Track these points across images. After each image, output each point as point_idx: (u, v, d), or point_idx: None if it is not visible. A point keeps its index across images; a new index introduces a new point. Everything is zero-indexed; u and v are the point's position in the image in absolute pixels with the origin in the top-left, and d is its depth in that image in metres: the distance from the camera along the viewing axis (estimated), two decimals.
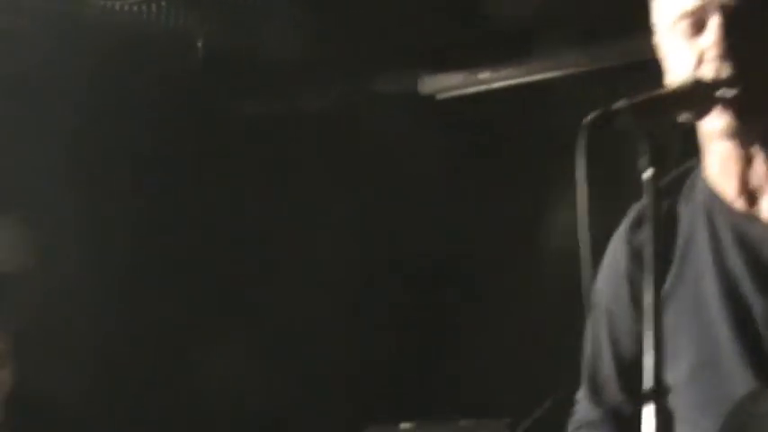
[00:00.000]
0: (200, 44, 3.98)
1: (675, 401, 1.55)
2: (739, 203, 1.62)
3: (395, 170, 4.69)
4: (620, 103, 1.45)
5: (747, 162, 1.60)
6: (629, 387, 1.71)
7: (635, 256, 1.64)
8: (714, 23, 1.54)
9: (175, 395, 4.18)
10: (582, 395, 1.82)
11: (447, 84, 4.62)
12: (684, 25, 1.57)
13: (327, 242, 4.63)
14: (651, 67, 4.06)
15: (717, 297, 1.59)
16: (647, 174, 1.44)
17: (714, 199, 1.64)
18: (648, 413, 1.36)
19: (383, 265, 4.59)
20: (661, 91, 1.51)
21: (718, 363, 1.56)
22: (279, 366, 4.36)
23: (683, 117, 1.50)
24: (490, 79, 4.45)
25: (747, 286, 1.58)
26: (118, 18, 3.72)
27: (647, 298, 1.40)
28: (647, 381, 1.37)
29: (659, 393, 1.36)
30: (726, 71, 1.51)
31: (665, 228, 1.61)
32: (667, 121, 1.46)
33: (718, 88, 1.52)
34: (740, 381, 1.53)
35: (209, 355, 4.18)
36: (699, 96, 1.51)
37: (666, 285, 1.62)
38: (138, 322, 4.17)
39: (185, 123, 4.32)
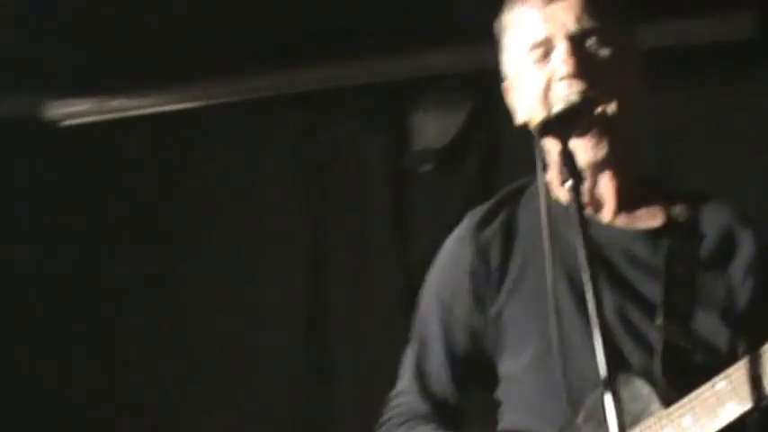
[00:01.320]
0: None
1: (518, 388, 1.74)
2: (586, 210, 1.79)
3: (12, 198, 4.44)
4: (547, 116, 1.68)
5: (595, 180, 1.84)
6: (458, 378, 1.85)
7: (480, 254, 1.83)
8: (561, 48, 1.77)
9: None
10: (405, 389, 1.89)
11: (74, 110, 4.44)
12: (536, 54, 1.79)
13: None
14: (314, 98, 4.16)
15: (565, 292, 1.77)
16: (569, 184, 1.63)
17: (558, 206, 1.83)
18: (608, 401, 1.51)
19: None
20: (565, 108, 1.72)
21: (567, 352, 1.70)
22: None
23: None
24: (121, 107, 4.34)
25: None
26: None
27: (589, 298, 1.54)
28: (603, 371, 1.53)
29: (613, 384, 1.51)
30: (577, 88, 1.74)
31: (507, 232, 1.84)
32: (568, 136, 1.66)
33: (591, 107, 1.73)
34: (589, 368, 1.63)
35: None
36: (580, 115, 1.72)
37: (508, 282, 1.81)
38: None
39: None
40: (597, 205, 1.88)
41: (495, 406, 1.86)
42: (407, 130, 4.34)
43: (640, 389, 1.67)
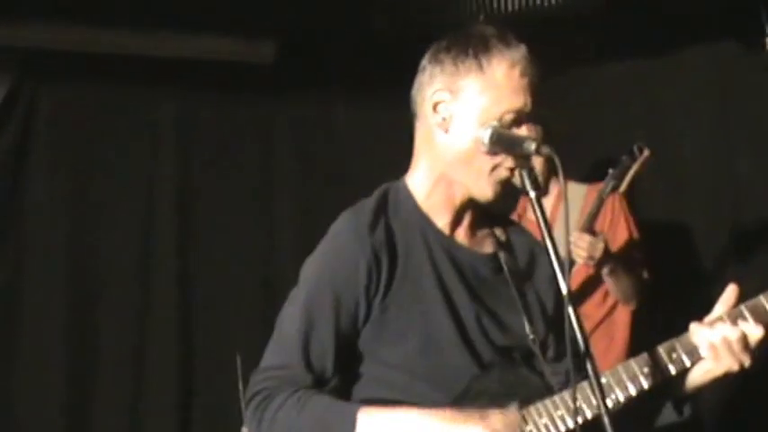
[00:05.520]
0: None
1: (404, 375, 2.06)
2: (446, 229, 2.17)
3: None
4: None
5: (466, 206, 2.16)
6: (338, 357, 2.08)
7: (374, 253, 2.06)
8: (527, 125, 2.11)
9: None
10: (287, 363, 2.08)
11: None
12: (511, 117, 2.09)
13: None
14: None
15: (436, 295, 2.11)
16: (533, 194, 1.98)
17: (425, 221, 2.16)
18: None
19: None
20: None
21: (442, 346, 2.08)
22: None
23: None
24: None
25: (457, 289, 2.13)
26: None
27: (564, 293, 1.92)
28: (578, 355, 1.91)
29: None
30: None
31: (390, 238, 2.09)
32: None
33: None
34: (460, 362, 2.08)
35: None
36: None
37: (395, 280, 2.08)
38: None
39: None
40: (454, 227, 2.17)
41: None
42: None
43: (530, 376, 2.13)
